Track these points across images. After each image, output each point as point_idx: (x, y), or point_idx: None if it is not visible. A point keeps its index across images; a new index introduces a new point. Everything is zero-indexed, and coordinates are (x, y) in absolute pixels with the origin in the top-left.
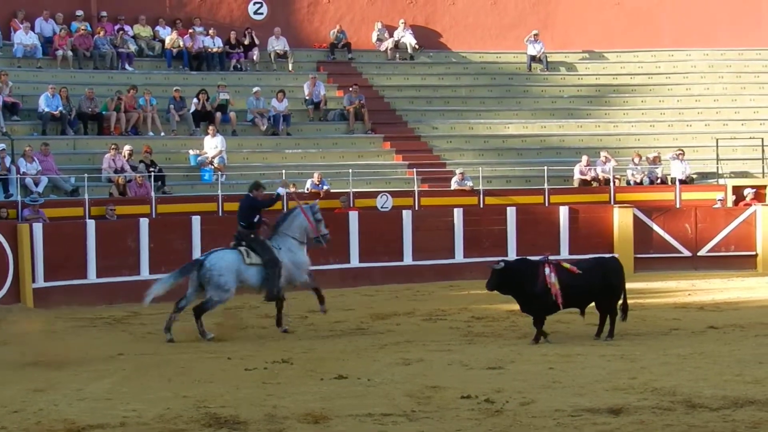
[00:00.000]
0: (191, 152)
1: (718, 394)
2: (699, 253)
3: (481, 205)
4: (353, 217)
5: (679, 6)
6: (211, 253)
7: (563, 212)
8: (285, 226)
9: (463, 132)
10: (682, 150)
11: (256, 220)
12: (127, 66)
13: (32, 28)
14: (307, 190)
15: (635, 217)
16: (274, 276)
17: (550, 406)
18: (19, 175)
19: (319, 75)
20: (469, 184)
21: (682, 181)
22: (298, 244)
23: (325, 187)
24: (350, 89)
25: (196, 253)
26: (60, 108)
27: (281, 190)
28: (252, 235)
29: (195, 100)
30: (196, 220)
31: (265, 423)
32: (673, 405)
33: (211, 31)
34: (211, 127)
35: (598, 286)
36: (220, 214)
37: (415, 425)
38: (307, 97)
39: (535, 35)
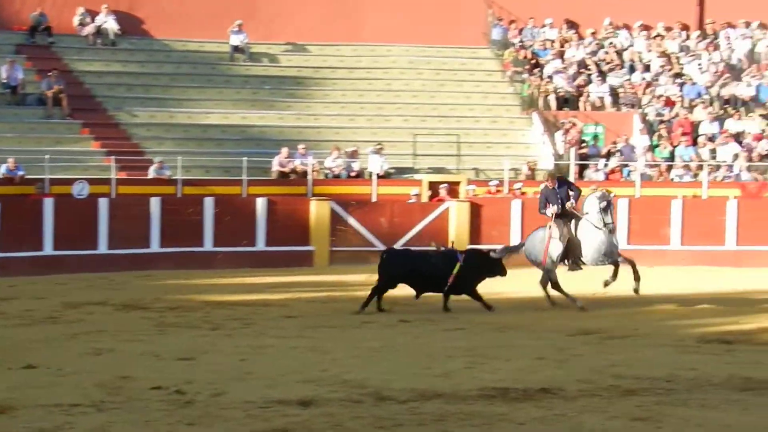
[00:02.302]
0: None
1: (407, 386)
2: (394, 247)
3: (179, 195)
4: (48, 204)
5: (382, 1)
6: None
7: (261, 203)
8: None
9: (163, 120)
10: (381, 144)
11: None
12: None
13: None
14: (2, 175)
15: (332, 210)
16: None
17: (240, 397)
18: None
19: (17, 58)
20: (168, 173)
21: (379, 176)
22: None
23: (20, 173)
24: (49, 74)
25: None
26: None
27: None
28: None
29: None
30: None
31: None
32: (362, 397)
33: None
34: None
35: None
36: None
37: (104, 416)
38: (4, 81)
39: (239, 25)
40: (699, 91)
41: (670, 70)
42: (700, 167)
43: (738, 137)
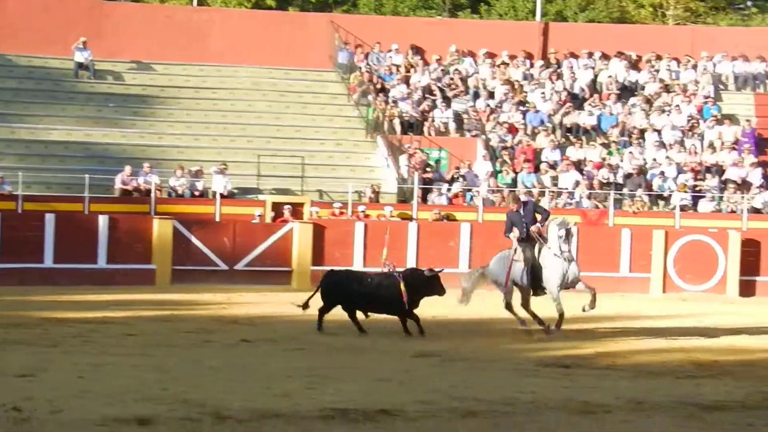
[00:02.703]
0: None
1: (246, 406)
2: (236, 267)
3: (20, 210)
4: None
5: (229, 22)
6: None
7: (102, 221)
8: None
9: (4, 136)
10: (225, 164)
11: None
12: None
13: None
14: None
15: (175, 228)
16: None
17: (78, 415)
18: None
19: None
20: (8, 188)
21: (223, 195)
22: None
23: None
24: None
25: None
26: None
27: None
28: None
29: None
30: None
31: None
32: (201, 416)
33: None
34: None
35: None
36: None
37: None
38: None
39: (83, 42)
40: (542, 119)
41: (513, 97)
42: (542, 194)
43: (579, 165)
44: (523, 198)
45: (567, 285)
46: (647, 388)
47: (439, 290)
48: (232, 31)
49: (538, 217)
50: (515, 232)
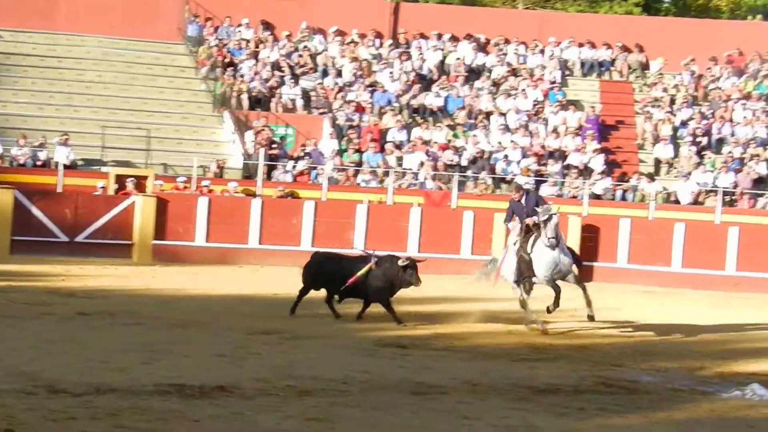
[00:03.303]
0: None
1: (82, 380)
2: (77, 239)
3: None
4: None
5: None
6: None
7: None
8: None
9: None
10: (67, 135)
11: None
12: None
13: None
14: None
15: (15, 198)
16: None
17: None
18: None
19: None
20: None
21: (65, 166)
22: None
23: None
24: None
25: None
26: None
27: None
28: None
29: None
30: None
31: None
32: (36, 389)
33: None
34: None
35: None
36: None
37: None
38: None
39: None
40: (389, 99)
41: (362, 76)
42: (387, 173)
43: (425, 146)
44: (526, 187)
45: (559, 275)
46: (483, 369)
47: (415, 281)
48: (81, 0)
49: (539, 209)
50: (515, 222)
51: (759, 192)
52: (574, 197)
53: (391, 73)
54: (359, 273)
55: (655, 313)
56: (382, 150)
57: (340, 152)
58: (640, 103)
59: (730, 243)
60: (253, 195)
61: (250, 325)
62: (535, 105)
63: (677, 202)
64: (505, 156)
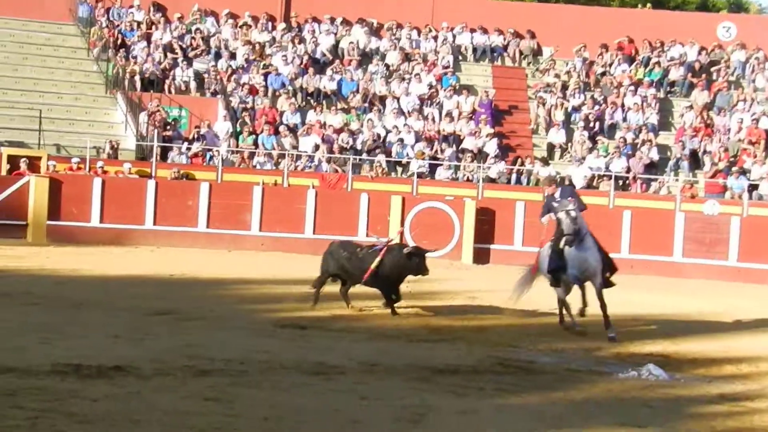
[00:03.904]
0: None
1: None
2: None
3: None
4: None
5: None
6: None
7: None
8: None
9: None
10: None
11: None
12: None
13: None
14: None
15: None
16: None
17: None
18: None
19: None
20: None
21: None
22: None
23: None
24: None
25: None
26: None
27: None
28: None
29: None
30: None
31: None
32: None
33: None
34: None
35: None
36: None
37: None
38: None
39: None
40: (283, 82)
41: (255, 59)
42: (282, 156)
43: (320, 129)
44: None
45: (584, 276)
46: (381, 350)
47: (423, 270)
48: None
49: (556, 204)
50: (548, 217)
51: (651, 177)
52: (469, 180)
53: (284, 56)
54: (373, 265)
55: (551, 295)
56: (276, 133)
57: (235, 134)
58: (533, 89)
59: (623, 226)
60: (148, 176)
61: (147, 305)
62: (428, 89)
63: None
64: (400, 139)
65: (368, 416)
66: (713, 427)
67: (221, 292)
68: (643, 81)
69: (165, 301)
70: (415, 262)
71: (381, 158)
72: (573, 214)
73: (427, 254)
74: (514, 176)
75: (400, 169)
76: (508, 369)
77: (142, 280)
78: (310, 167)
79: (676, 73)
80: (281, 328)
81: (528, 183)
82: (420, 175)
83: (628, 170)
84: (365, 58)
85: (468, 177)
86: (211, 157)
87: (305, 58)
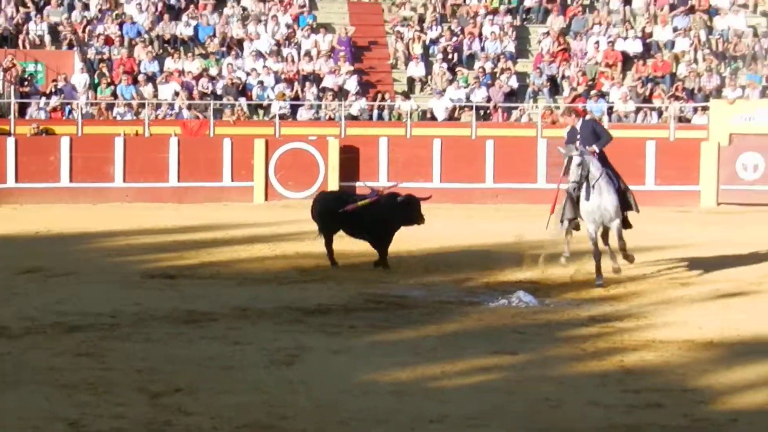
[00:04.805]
0: None
1: None
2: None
3: None
4: None
5: None
6: None
7: None
8: None
9: None
10: None
11: None
12: None
13: None
14: None
15: None
16: None
17: None
18: None
19: None
20: None
21: None
22: None
23: None
24: None
25: None
26: None
27: None
28: None
29: None
30: None
31: None
32: None
33: None
34: None
35: None
36: None
37: None
38: None
39: None
40: (139, 30)
41: (109, 9)
42: (142, 105)
43: (178, 76)
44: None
45: (601, 220)
46: (251, 295)
47: (419, 219)
48: None
49: (562, 149)
50: (567, 149)
51: (512, 105)
52: (332, 119)
53: (138, 4)
54: (360, 203)
55: (417, 228)
56: (135, 82)
57: (93, 86)
58: (390, 23)
59: (487, 156)
60: (7, 134)
61: (14, 264)
62: (286, 29)
63: (434, 118)
64: (260, 82)
65: (242, 361)
66: (584, 349)
67: (88, 247)
68: (499, 9)
69: (32, 258)
70: (408, 210)
71: (242, 102)
72: (577, 160)
73: (421, 201)
74: (375, 112)
75: (261, 112)
76: (380, 305)
77: (6, 239)
78: (171, 115)
79: (531, 0)
80: (150, 279)
81: (390, 118)
82: (282, 117)
83: (489, 100)
84: (220, 2)
85: (330, 116)
86: (71, 111)
87: (160, 5)
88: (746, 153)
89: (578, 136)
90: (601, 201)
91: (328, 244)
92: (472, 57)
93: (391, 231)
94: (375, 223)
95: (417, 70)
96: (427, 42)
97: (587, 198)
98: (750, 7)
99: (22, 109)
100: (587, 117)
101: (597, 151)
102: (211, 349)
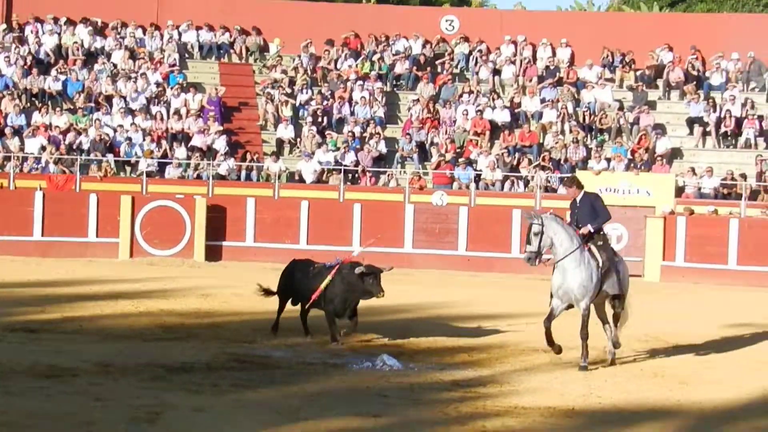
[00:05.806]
0: None
1: None
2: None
3: None
4: None
5: None
6: None
7: None
8: None
9: None
10: None
11: None
12: None
13: None
14: None
15: None
16: None
17: None
18: None
19: None
20: None
21: None
22: None
23: None
24: None
25: None
26: None
27: None
28: None
29: None
30: None
31: None
32: None
33: None
34: None
35: None
36: None
37: None
38: None
39: None
40: (7, 83)
41: None
42: (8, 158)
43: (45, 130)
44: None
45: (567, 299)
46: (114, 351)
47: (378, 292)
48: None
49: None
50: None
51: (380, 170)
52: (199, 178)
53: (7, 57)
54: (322, 285)
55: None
56: (1, 135)
57: None
58: (261, 85)
59: (354, 219)
60: None
61: None
62: (156, 87)
63: (302, 180)
64: (128, 138)
65: (103, 417)
66: (447, 413)
67: None
68: (369, 75)
69: None
70: (368, 282)
71: (109, 158)
72: (536, 228)
73: (381, 273)
74: (244, 173)
75: (129, 169)
76: (243, 365)
77: None
78: (37, 169)
79: (401, 67)
80: (11, 332)
81: (258, 179)
82: (149, 174)
83: (357, 164)
84: (90, 57)
85: (198, 174)
86: None
87: (29, 58)
88: (610, 224)
89: (576, 210)
90: (563, 280)
91: (280, 310)
92: (341, 121)
93: (349, 303)
94: (334, 297)
95: (286, 132)
96: (297, 104)
97: (558, 271)
98: (616, 81)
99: None
100: (588, 191)
101: (592, 230)
102: (71, 405)
